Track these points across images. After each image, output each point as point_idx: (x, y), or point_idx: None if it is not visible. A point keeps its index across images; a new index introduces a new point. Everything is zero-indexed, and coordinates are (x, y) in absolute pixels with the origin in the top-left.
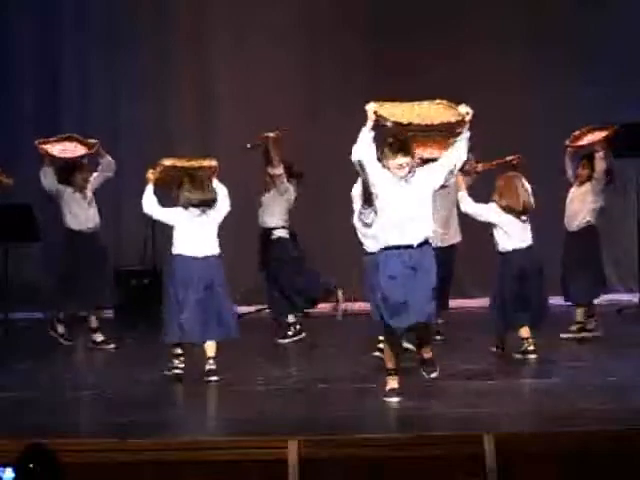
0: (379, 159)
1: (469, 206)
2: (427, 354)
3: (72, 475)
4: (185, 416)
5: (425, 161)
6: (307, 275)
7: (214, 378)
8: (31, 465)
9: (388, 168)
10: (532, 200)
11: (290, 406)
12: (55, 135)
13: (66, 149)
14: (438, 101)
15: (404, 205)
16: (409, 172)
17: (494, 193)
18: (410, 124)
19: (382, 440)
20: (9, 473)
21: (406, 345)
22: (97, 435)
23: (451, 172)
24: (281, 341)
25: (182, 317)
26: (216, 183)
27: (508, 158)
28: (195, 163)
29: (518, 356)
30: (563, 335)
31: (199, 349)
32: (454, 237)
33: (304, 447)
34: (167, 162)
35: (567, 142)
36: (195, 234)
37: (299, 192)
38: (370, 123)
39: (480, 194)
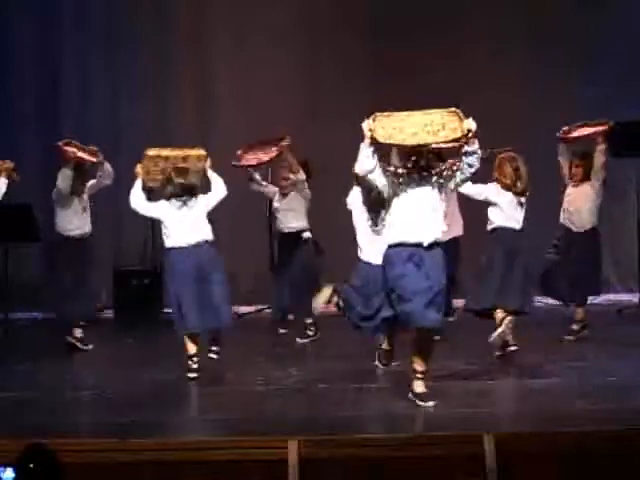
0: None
1: (468, 187)
2: (419, 387)
3: (72, 475)
4: (185, 416)
5: (435, 152)
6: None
7: (194, 375)
8: (31, 465)
9: (403, 172)
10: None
11: (290, 406)
12: (55, 135)
13: (79, 154)
14: (453, 109)
15: (418, 205)
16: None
17: (495, 171)
18: (403, 145)
19: (382, 440)
20: (9, 473)
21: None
22: (97, 435)
23: (463, 182)
24: (301, 340)
25: (183, 308)
26: (210, 172)
27: (503, 150)
28: (180, 152)
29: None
30: (567, 337)
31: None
32: (455, 230)
33: (304, 447)
34: (151, 152)
35: (559, 134)
36: (182, 224)
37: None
38: (367, 140)
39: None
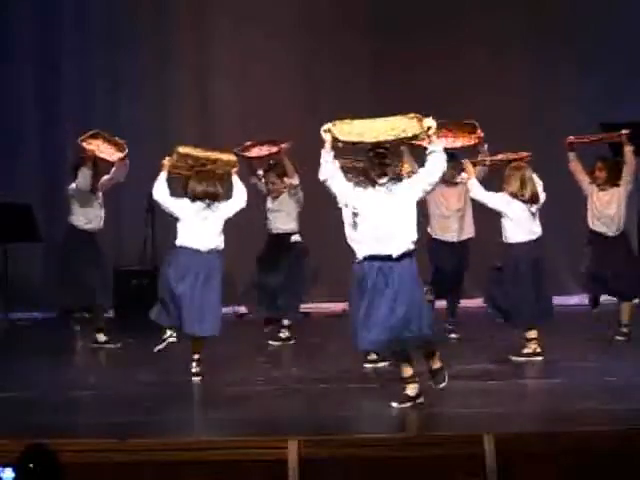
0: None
1: (479, 193)
2: (435, 364)
3: (72, 475)
4: (185, 416)
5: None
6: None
7: (197, 379)
8: (31, 465)
9: (369, 179)
10: (540, 192)
11: (290, 406)
12: (56, 135)
13: (102, 151)
14: (412, 115)
15: (384, 215)
16: (390, 180)
17: (504, 182)
18: (360, 143)
19: (382, 440)
20: (9, 473)
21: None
22: (97, 435)
23: (431, 185)
24: (273, 343)
25: (174, 305)
26: (235, 179)
27: (519, 155)
28: (212, 155)
29: (520, 359)
30: (619, 338)
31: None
32: (468, 232)
33: (304, 447)
34: (182, 149)
35: (571, 138)
36: (199, 227)
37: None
38: (327, 145)
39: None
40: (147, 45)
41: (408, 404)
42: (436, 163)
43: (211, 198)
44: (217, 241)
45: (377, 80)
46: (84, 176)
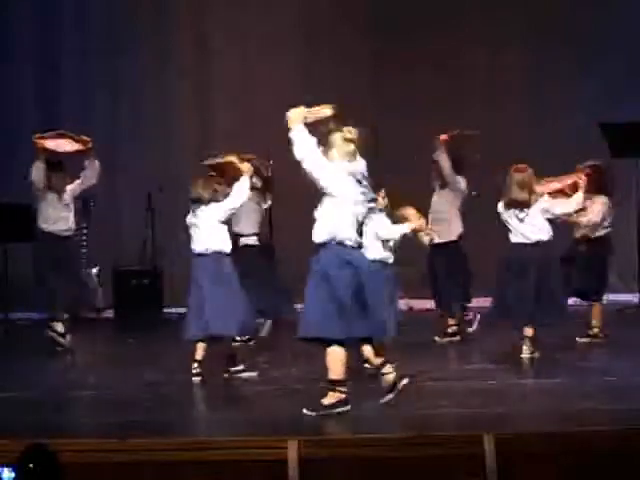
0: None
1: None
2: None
3: (72, 475)
4: (185, 416)
5: None
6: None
7: (197, 379)
8: (31, 465)
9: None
10: (525, 197)
11: (290, 406)
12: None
13: (60, 145)
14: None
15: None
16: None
17: None
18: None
19: (382, 440)
20: (9, 473)
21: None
22: (97, 435)
23: (306, 169)
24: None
25: (188, 314)
26: (241, 180)
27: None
28: (220, 159)
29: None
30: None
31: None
32: (449, 234)
33: (304, 447)
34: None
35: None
36: (193, 231)
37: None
38: (300, 124)
39: None
40: (147, 45)
41: (314, 413)
42: (294, 148)
43: (196, 202)
44: (210, 243)
45: (377, 80)
46: (37, 169)
